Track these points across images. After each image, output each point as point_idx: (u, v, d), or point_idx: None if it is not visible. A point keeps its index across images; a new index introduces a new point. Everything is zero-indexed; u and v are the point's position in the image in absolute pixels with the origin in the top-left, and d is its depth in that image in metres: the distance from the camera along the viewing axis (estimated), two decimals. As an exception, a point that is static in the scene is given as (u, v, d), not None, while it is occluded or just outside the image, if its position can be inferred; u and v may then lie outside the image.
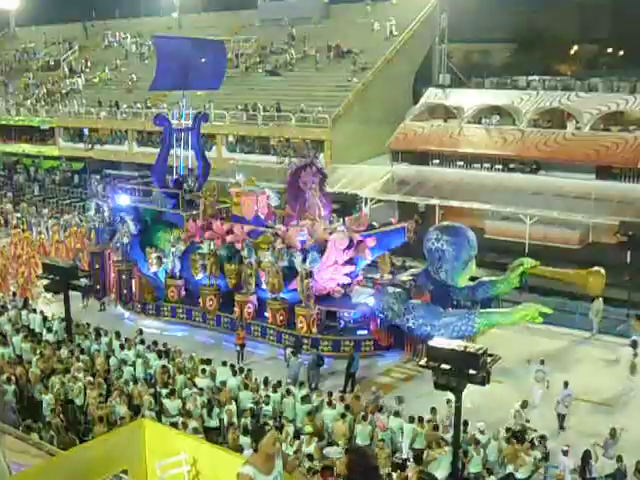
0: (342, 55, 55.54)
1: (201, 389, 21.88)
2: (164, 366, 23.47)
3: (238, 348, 27.23)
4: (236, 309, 29.49)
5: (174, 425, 18.71)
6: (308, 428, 19.87)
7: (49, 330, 27.48)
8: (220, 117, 52.18)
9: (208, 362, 23.83)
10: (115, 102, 59.63)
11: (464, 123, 46.22)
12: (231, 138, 53.70)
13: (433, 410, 20.45)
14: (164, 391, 21.55)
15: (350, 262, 28.87)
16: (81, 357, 23.91)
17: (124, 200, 33.45)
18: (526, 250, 37.88)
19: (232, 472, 8.08)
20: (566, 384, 22.14)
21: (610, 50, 70.56)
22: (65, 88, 66.76)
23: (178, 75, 32.89)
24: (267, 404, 21.20)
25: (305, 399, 21.36)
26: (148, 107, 57.43)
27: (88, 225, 35.89)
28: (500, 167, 43.96)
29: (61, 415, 19.94)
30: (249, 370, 23.57)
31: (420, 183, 43.84)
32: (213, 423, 20.81)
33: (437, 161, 45.98)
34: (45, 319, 28.73)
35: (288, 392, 21.87)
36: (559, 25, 69.33)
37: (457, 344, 17.21)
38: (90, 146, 60.20)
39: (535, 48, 67.11)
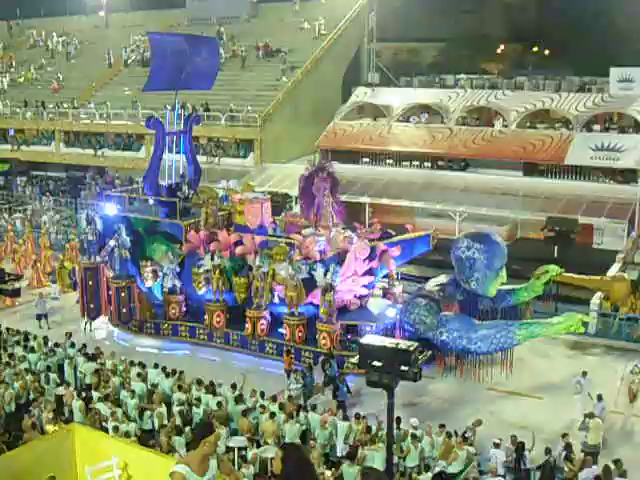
0: (271, 54, 55.49)
1: (133, 392, 21.65)
2: (96, 370, 23.22)
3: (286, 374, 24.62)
4: (247, 325, 27.13)
5: (107, 429, 18.52)
6: (243, 429, 19.79)
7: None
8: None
9: (142, 365, 23.58)
10: (41, 102, 58.58)
11: (393, 122, 46.62)
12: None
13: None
14: (96, 394, 21.28)
15: (369, 272, 27.27)
16: (12, 363, 23.51)
17: (112, 209, 30.52)
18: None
19: (164, 475, 7.96)
20: (599, 397, 21.37)
21: (536, 49, 71.76)
22: (-11, 88, 65.33)
23: (172, 74, 30.79)
24: (197, 407, 21.06)
25: (238, 399, 21.27)
26: (75, 107, 56.61)
27: (80, 238, 32.31)
28: (429, 165, 44.50)
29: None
30: (181, 372, 23.35)
31: (350, 182, 43.89)
32: (146, 426, 20.66)
33: (367, 159, 46.26)
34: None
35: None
36: (486, 25, 70.47)
37: (389, 341, 17.14)
38: (16, 147, 59.05)
39: (463, 47, 67.92)
